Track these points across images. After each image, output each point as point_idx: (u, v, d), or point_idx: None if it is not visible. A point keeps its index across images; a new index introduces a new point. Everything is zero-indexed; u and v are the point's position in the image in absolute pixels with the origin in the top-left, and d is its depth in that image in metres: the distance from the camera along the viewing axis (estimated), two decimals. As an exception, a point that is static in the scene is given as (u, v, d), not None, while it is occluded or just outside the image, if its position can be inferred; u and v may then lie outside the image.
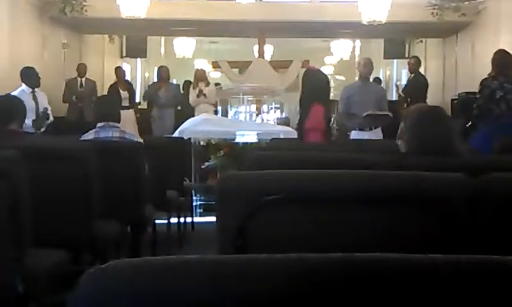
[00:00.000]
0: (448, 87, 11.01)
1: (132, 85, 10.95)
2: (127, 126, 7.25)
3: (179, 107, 10.34)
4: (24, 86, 7.31)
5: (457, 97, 9.81)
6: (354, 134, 6.68)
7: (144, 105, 11.02)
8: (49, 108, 7.33)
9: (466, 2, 9.34)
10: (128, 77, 11.56)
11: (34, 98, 7.26)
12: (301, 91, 5.83)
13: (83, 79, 9.99)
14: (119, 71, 10.67)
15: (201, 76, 10.45)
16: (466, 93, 9.44)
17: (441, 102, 10.73)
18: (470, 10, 9.43)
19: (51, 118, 7.26)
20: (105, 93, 10.41)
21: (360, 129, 6.66)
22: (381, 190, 1.69)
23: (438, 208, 1.64)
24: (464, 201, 1.67)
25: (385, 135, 6.55)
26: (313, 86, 5.69)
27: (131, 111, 9.83)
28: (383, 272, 0.85)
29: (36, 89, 7.41)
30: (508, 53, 6.21)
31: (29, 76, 7.38)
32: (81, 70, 10.06)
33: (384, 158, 2.39)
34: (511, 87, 5.98)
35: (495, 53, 6.27)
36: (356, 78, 7.33)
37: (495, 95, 5.97)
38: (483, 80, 6.17)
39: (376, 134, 6.60)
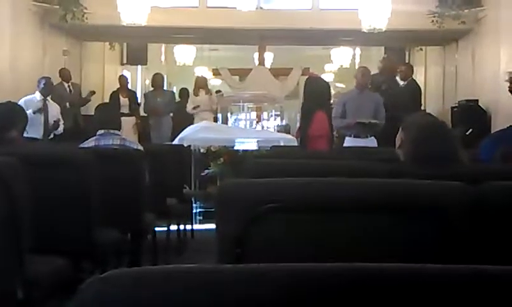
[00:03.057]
0: (449, 95, 11.00)
1: (135, 93, 10.95)
2: (126, 133, 7.28)
3: (171, 114, 10.38)
4: (36, 93, 7.78)
5: (457, 105, 9.80)
6: (349, 141, 6.68)
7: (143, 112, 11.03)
8: (61, 120, 7.84)
9: (466, 10, 9.34)
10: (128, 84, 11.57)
11: (44, 106, 7.71)
12: (303, 98, 5.81)
13: (69, 84, 9.71)
14: (122, 79, 10.71)
15: (201, 83, 10.45)
16: (467, 100, 9.45)
17: (442, 110, 10.73)
18: (470, 18, 9.43)
19: (61, 130, 7.79)
20: (106, 100, 10.43)
21: (356, 136, 6.68)
22: (381, 199, 1.68)
23: (437, 216, 1.64)
24: (463, 209, 1.67)
25: (380, 143, 6.56)
26: (316, 93, 5.68)
27: (131, 119, 9.83)
28: (382, 282, 0.85)
29: (48, 99, 7.85)
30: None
31: (43, 85, 7.79)
32: (65, 75, 9.62)
33: (384, 166, 2.39)
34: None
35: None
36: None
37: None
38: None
39: (371, 142, 6.62)
